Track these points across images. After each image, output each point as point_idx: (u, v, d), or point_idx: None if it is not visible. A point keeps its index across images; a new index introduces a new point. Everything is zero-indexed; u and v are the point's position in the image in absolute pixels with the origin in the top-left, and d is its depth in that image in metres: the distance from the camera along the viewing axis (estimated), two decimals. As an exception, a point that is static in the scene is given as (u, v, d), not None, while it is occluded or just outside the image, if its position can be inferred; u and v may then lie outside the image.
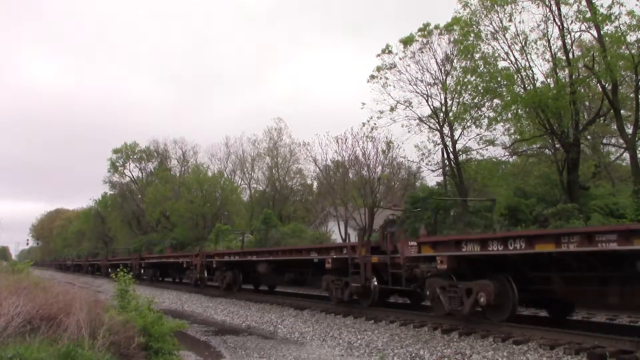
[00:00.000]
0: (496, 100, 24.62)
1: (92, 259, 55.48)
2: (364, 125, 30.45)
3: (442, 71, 28.17)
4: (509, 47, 23.31)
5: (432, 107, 28.36)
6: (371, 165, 37.03)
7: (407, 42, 28.01)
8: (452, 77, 27.50)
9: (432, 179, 58.20)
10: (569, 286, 8.85)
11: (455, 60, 27.44)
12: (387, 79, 28.70)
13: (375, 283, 12.33)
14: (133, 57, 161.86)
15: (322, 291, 15.27)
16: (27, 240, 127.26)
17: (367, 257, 12.45)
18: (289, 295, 18.67)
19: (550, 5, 21.95)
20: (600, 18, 19.75)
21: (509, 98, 22.97)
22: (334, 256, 13.58)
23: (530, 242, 8.35)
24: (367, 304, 12.89)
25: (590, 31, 21.05)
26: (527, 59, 23.14)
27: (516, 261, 9.12)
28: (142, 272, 31.93)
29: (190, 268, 22.91)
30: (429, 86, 28.26)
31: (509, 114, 23.92)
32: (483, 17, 23.64)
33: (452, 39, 26.88)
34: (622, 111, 22.17)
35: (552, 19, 22.08)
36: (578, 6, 21.00)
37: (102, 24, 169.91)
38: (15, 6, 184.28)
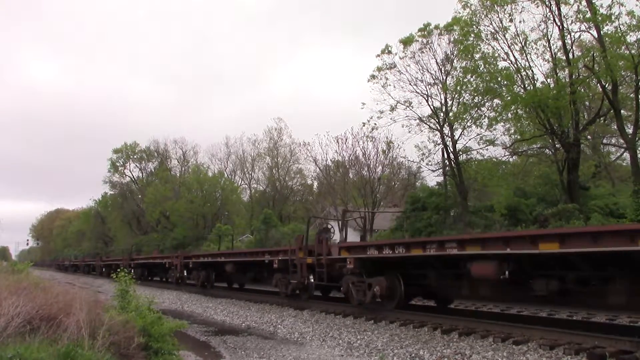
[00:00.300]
0: (496, 100, 24.63)
1: (88, 260, 55.96)
2: (364, 125, 30.47)
3: (442, 71, 28.20)
4: (509, 47, 23.35)
5: (432, 107, 28.39)
6: (371, 165, 37.13)
7: (407, 42, 28.03)
8: (452, 77, 27.52)
9: (432, 179, 58.30)
10: (438, 281, 11.29)
11: (455, 60, 27.47)
12: (387, 79, 28.76)
13: (312, 280, 14.43)
14: (133, 57, 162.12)
15: (272, 287, 17.49)
16: (27, 240, 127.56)
17: (303, 258, 14.53)
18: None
19: (550, 5, 21.97)
20: (600, 18, 19.76)
21: (509, 98, 22.98)
22: (280, 258, 15.83)
23: (407, 248, 10.74)
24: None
25: (590, 31, 21.07)
26: (527, 59, 23.18)
27: (402, 262, 11.50)
28: (132, 271, 32.41)
29: (172, 268, 25.39)
30: (429, 86, 28.30)
31: (509, 114, 23.93)
32: (483, 17, 23.66)
33: (452, 39, 26.91)
34: (622, 111, 22.18)
35: (552, 19, 22.11)
36: (578, 6, 21.03)
37: (102, 24, 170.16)
38: (15, 6, 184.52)
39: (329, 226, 16.81)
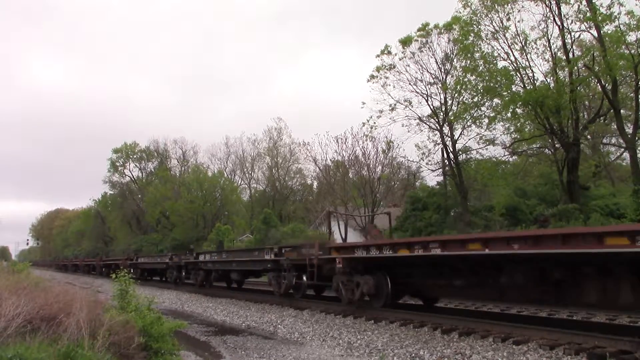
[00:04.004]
0: (496, 100, 24.64)
1: (88, 260, 56.20)
2: (364, 125, 30.46)
3: (442, 70, 28.21)
4: (509, 46, 23.37)
5: (432, 106, 28.41)
6: (371, 165, 37.12)
7: (406, 42, 28.03)
8: (452, 76, 27.54)
9: (432, 178, 58.32)
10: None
11: (455, 60, 27.47)
12: (387, 78, 28.77)
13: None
14: (133, 57, 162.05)
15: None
16: (27, 240, 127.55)
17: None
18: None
19: (550, 4, 21.98)
20: (600, 18, 19.76)
21: (508, 97, 22.98)
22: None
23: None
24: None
25: (590, 31, 21.08)
26: (527, 58, 23.21)
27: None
28: (132, 271, 32.76)
29: (169, 269, 25.91)
30: (429, 86, 28.33)
31: (509, 114, 23.94)
32: (483, 16, 23.66)
33: (451, 38, 26.91)
34: (622, 111, 22.19)
35: (552, 18, 22.13)
36: (578, 6, 21.04)
37: (103, 25, 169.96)
38: (19, 8, 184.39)
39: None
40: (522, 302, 12.77)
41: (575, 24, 21.46)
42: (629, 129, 22.57)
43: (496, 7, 23.11)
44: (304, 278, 14.87)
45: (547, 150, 28.68)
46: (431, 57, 28.11)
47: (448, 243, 9.74)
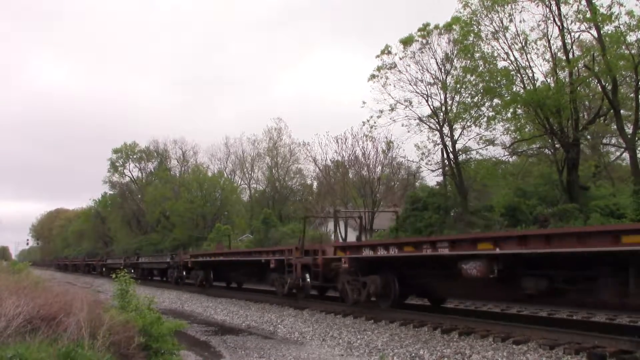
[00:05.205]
0: (496, 100, 24.64)
1: (88, 259, 56.67)
2: (364, 125, 30.43)
3: (442, 71, 28.17)
4: (509, 47, 23.34)
5: (432, 107, 28.37)
6: (371, 165, 37.12)
7: (406, 42, 27.99)
8: (452, 76, 27.51)
9: (432, 179, 58.18)
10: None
11: (455, 60, 27.45)
12: (387, 78, 28.71)
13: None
14: (133, 58, 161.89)
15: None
16: (27, 240, 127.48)
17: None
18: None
19: (550, 5, 21.97)
20: (600, 18, 19.75)
21: (508, 97, 22.99)
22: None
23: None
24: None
25: (590, 31, 21.05)
26: (527, 58, 23.18)
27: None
28: (132, 271, 33.69)
29: (126, 267, 27.11)
30: (429, 86, 28.26)
31: (509, 114, 23.94)
32: (483, 16, 23.66)
33: (451, 39, 26.89)
34: (622, 111, 22.17)
35: (552, 18, 22.10)
36: (578, 6, 21.03)
37: (105, 26, 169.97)
38: (19, 9, 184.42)
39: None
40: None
41: (575, 24, 21.47)
42: (629, 129, 22.57)
43: (496, 7, 23.11)
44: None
45: (547, 150, 28.68)
46: (431, 57, 28.10)
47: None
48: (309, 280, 14.65)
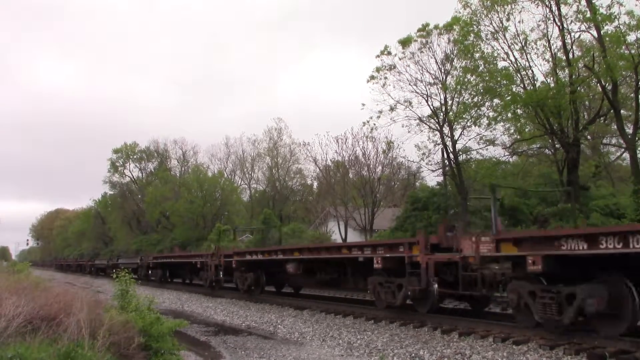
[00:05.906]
0: (496, 100, 24.61)
1: (79, 260, 58.58)
2: (364, 125, 30.37)
3: (442, 71, 28.15)
4: (509, 47, 23.30)
5: (432, 107, 28.34)
6: (371, 165, 37.14)
7: (405, 42, 27.96)
8: (452, 76, 27.48)
9: (432, 179, 58.22)
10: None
11: (455, 60, 27.43)
12: (386, 78, 28.66)
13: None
14: (134, 58, 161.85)
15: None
16: (27, 240, 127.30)
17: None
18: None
19: (550, 5, 21.94)
20: (600, 18, 19.72)
21: (508, 98, 22.97)
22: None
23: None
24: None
25: (590, 31, 21.02)
26: (527, 58, 23.14)
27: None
28: (114, 271, 35.29)
29: (107, 268, 32.82)
30: (429, 86, 28.24)
31: (509, 114, 23.92)
32: (483, 17, 23.63)
33: (451, 39, 26.86)
34: (622, 111, 22.15)
35: (552, 19, 22.07)
36: (578, 6, 20.99)
37: (106, 26, 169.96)
38: (19, 9, 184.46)
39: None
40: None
41: (575, 24, 21.43)
42: (629, 129, 22.56)
43: (496, 7, 23.09)
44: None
45: (547, 150, 28.65)
46: (431, 58, 28.07)
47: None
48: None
